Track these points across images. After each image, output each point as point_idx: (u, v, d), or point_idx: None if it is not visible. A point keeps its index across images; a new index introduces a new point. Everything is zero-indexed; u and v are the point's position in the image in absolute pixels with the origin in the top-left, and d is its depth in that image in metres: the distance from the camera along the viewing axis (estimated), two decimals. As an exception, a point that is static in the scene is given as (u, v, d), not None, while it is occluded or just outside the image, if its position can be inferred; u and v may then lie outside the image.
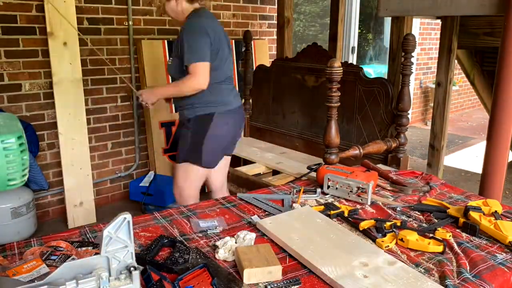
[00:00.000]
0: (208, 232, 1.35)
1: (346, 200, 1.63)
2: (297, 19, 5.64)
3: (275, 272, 1.08)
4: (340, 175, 1.69)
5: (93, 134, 3.38)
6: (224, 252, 1.19)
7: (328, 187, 1.69)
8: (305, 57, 3.08)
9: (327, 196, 1.68)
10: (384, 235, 1.29)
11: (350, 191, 1.63)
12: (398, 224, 1.39)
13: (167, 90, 2.38)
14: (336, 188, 1.67)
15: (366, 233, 1.34)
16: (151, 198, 3.34)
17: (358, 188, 1.61)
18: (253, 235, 1.27)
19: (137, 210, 3.29)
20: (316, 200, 1.64)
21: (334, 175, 1.68)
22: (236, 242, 1.24)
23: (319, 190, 1.71)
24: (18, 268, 1.08)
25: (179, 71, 2.16)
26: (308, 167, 2.00)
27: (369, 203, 1.58)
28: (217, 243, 1.23)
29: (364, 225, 1.34)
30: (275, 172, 2.86)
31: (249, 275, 1.07)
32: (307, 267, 1.15)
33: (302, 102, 3.15)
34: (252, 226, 1.40)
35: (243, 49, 3.65)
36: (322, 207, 1.52)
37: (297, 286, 1.07)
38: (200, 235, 1.33)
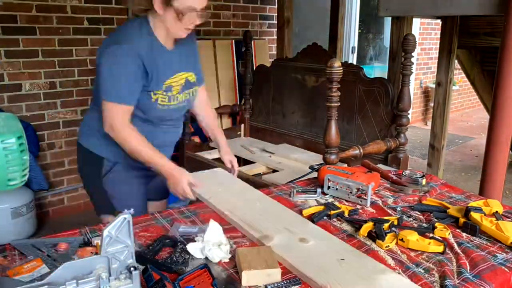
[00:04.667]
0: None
1: (346, 201, 1.63)
2: (297, 19, 5.63)
3: (274, 275, 1.08)
4: (341, 175, 1.69)
5: (93, 134, 3.39)
6: (222, 253, 1.18)
7: (329, 187, 1.68)
8: (305, 57, 3.08)
9: (327, 196, 1.68)
10: (384, 237, 1.29)
11: (350, 192, 1.62)
12: (395, 223, 1.39)
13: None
14: (336, 189, 1.67)
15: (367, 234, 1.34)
16: (151, 198, 3.34)
17: (358, 189, 1.61)
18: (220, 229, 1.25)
19: (137, 210, 3.29)
20: (316, 200, 1.64)
21: (335, 175, 1.68)
22: (204, 239, 1.21)
23: (319, 190, 1.71)
24: (18, 269, 1.08)
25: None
26: (310, 167, 2.00)
27: (368, 205, 1.57)
28: (198, 251, 1.18)
29: (363, 232, 1.34)
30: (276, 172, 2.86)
31: (248, 277, 1.07)
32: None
33: (302, 102, 3.15)
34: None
35: (243, 49, 3.65)
36: (323, 206, 1.52)
37: (297, 286, 1.07)
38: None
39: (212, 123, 1.92)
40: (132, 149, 1.55)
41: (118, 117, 1.51)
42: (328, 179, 1.68)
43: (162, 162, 1.59)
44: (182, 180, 1.58)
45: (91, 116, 1.70)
